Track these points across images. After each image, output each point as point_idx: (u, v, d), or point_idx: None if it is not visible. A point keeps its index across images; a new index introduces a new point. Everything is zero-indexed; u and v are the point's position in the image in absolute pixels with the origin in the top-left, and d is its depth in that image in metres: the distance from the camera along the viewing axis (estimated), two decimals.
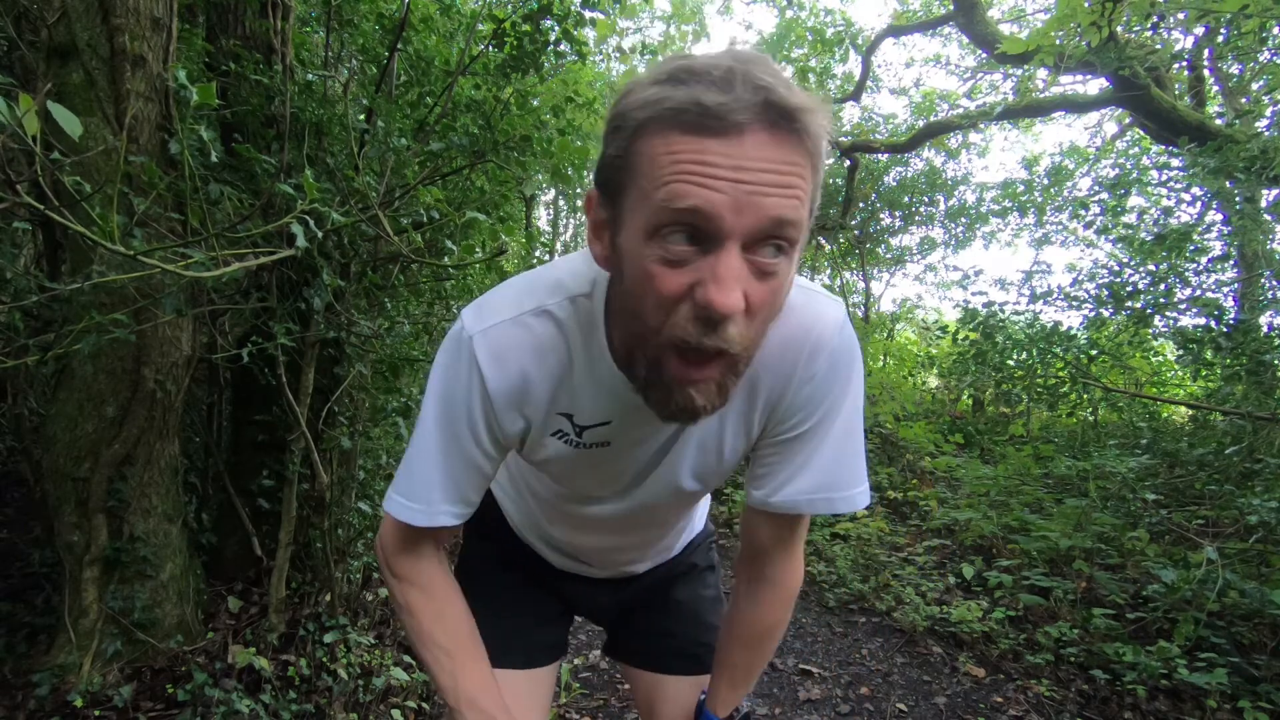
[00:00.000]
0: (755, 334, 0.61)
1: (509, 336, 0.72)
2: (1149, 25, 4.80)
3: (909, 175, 9.52)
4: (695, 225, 0.55)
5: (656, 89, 0.55)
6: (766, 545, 0.88)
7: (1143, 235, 4.28)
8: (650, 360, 0.62)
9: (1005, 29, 5.98)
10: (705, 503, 1.15)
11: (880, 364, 8.59)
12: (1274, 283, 4.27)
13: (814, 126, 0.55)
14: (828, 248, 10.29)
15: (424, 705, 2.12)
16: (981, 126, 7.90)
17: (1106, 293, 4.35)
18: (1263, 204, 4.08)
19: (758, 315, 0.59)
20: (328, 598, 2.21)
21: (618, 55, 8.94)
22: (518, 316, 0.73)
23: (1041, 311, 4.98)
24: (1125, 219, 4.56)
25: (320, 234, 1.46)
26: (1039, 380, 4.65)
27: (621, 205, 0.60)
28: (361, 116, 2.13)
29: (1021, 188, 8.92)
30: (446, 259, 2.32)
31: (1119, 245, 4.69)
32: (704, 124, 0.53)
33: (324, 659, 2.03)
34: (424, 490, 0.78)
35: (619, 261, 0.63)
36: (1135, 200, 4.72)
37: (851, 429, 0.79)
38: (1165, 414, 5.81)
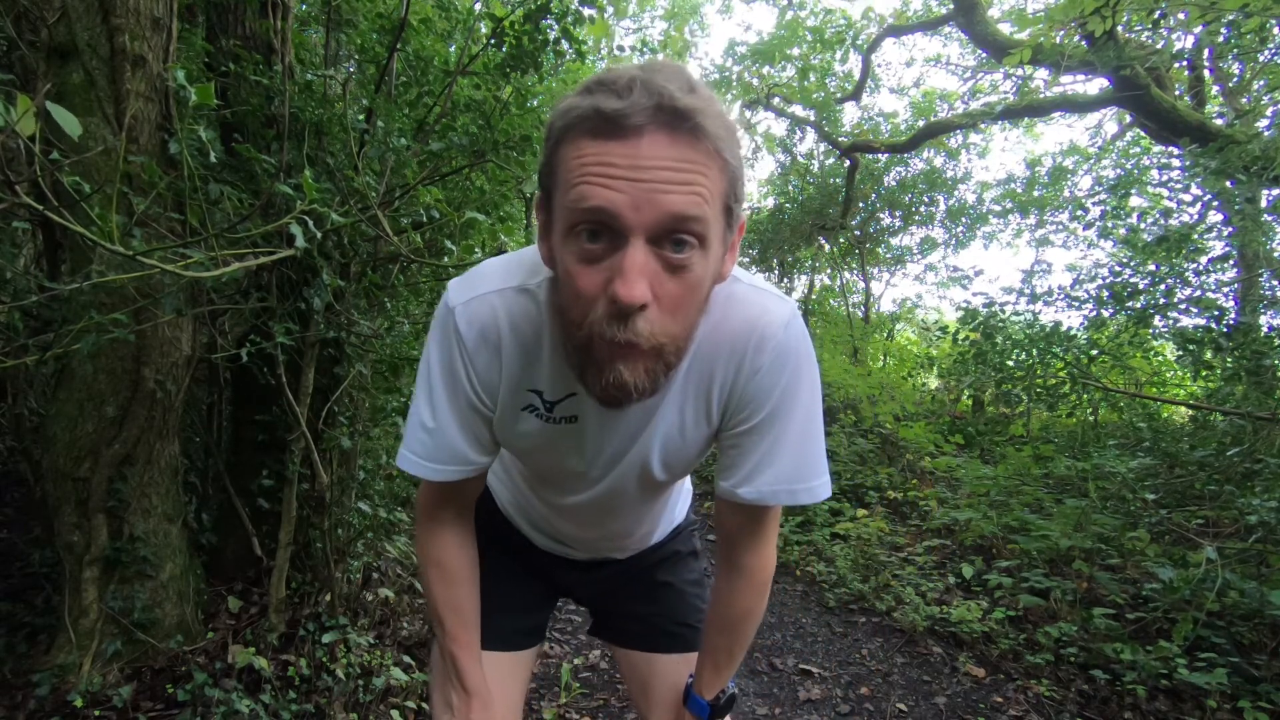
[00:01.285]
0: (676, 327, 0.65)
1: (486, 308, 0.79)
2: (1151, 22, 4.79)
3: (909, 175, 9.52)
4: (601, 223, 0.59)
5: (571, 100, 0.61)
6: (736, 534, 0.92)
7: (1144, 236, 4.27)
8: (580, 346, 0.66)
9: (1005, 29, 5.96)
10: (687, 495, 1.21)
11: (880, 364, 8.58)
12: (1274, 283, 4.27)
13: (710, 126, 0.59)
14: (827, 248, 10.29)
15: (423, 705, 2.12)
16: (981, 126, 7.89)
17: (1107, 293, 4.35)
18: (1263, 204, 4.08)
19: (674, 309, 0.63)
20: (328, 598, 2.21)
21: (619, 52, 8.93)
22: (500, 290, 0.79)
23: (1041, 312, 4.98)
24: (1127, 219, 4.56)
25: (319, 235, 1.46)
26: (1039, 380, 4.65)
27: (551, 211, 0.66)
28: (361, 117, 2.13)
29: (1020, 188, 8.92)
30: (446, 259, 2.32)
31: (1120, 246, 4.69)
32: (603, 129, 0.58)
33: (324, 659, 2.03)
34: (447, 448, 0.86)
35: (554, 261, 0.68)
36: (1136, 201, 4.72)
37: (808, 423, 0.83)
38: (1165, 414, 5.81)
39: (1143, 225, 4.41)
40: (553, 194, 0.65)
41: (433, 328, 0.83)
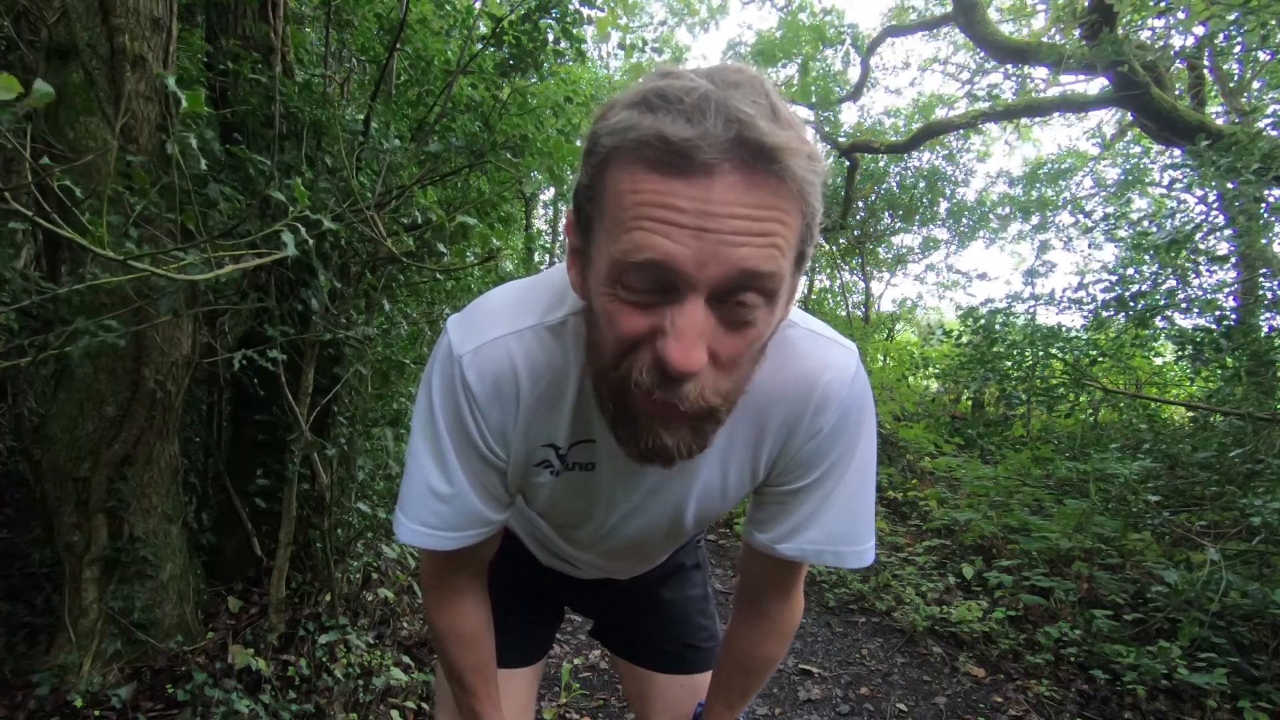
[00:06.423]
0: (730, 384, 0.57)
1: (501, 355, 0.67)
2: (1159, 10, 4.76)
3: (909, 176, 9.53)
4: (656, 276, 0.51)
5: (627, 114, 0.50)
6: (766, 584, 0.86)
7: (1145, 239, 4.27)
8: (614, 392, 0.58)
9: (1004, 28, 5.97)
10: None
11: (880, 364, 8.58)
12: (1274, 283, 4.26)
13: (798, 168, 0.49)
14: (828, 248, 10.30)
15: (423, 705, 2.12)
16: (981, 127, 7.89)
17: (1110, 296, 4.35)
18: (1262, 206, 4.07)
19: (731, 367, 0.56)
20: (327, 598, 2.21)
21: (620, 51, 8.92)
22: (517, 331, 0.68)
23: (1036, 311, 4.99)
24: (1130, 220, 4.56)
25: (310, 241, 1.46)
26: (1038, 381, 4.66)
27: (590, 240, 0.56)
28: (360, 118, 2.13)
29: (1020, 190, 8.93)
30: (445, 260, 2.32)
31: (1121, 247, 4.69)
32: (669, 161, 0.48)
33: (323, 659, 2.03)
34: (466, 514, 0.74)
35: (588, 294, 0.59)
36: (1139, 203, 4.73)
37: (862, 483, 0.75)
38: (1165, 414, 5.81)
39: (1151, 228, 4.39)
40: (594, 222, 0.55)
41: (432, 376, 0.71)
